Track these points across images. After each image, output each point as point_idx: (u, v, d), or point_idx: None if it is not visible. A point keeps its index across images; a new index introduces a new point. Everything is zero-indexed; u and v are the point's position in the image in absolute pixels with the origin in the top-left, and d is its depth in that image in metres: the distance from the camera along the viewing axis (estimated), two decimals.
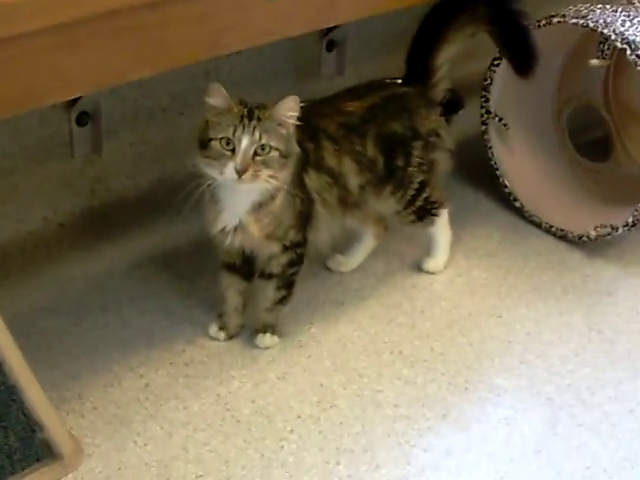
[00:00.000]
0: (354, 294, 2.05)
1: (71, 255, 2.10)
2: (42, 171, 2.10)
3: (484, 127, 2.30)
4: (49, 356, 1.82)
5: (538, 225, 2.27)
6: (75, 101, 2.05)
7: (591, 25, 2.05)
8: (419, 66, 2.02)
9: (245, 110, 1.66)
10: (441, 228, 2.09)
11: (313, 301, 2.02)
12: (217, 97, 1.66)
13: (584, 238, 2.18)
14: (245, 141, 1.63)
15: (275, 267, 1.84)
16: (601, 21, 2.05)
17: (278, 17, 1.73)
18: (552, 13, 2.13)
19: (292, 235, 1.81)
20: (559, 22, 2.10)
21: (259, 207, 1.73)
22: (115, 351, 1.86)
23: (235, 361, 1.86)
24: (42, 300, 1.98)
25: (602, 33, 2.04)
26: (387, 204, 1.99)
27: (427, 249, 2.13)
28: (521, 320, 2.00)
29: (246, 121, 1.64)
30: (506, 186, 2.30)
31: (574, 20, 2.07)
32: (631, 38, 2.01)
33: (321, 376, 1.84)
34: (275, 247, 1.81)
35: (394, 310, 2.02)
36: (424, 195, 2.01)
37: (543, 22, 2.13)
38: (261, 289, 1.88)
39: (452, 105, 2.45)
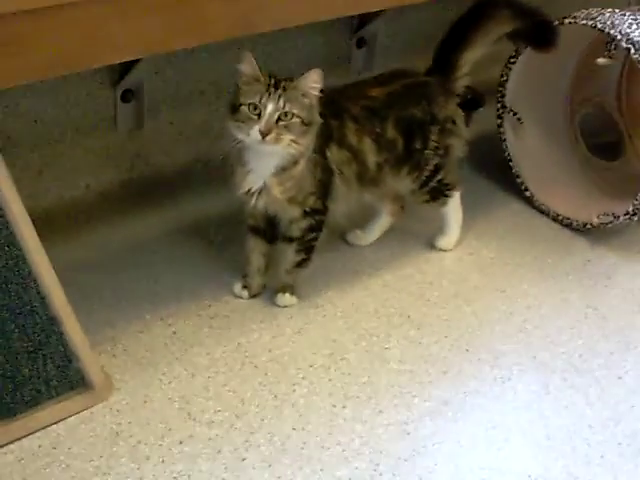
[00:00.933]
0: (369, 265, 2.21)
1: (110, 220, 2.27)
2: (87, 142, 2.27)
3: (499, 121, 2.45)
4: (86, 305, 1.97)
5: (546, 213, 2.42)
6: (121, 78, 2.23)
7: (599, 26, 2.20)
8: (444, 61, 2.17)
9: (272, 80, 1.83)
10: (453, 209, 2.24)
11: (331, 269, 2.17)
12: (248, 65, 1.83)
13: (588, 226, 2.32)
14: (270, 107, 1.81)
15: (295, 231, 2.00)
16: (609, 23, 2.20)
17: (307, 2, 1.88)
18: (565, 15, 2.28)
19: (312, 201, 1.96)
20: (570, 23, 2.25)
21: (282, 171, 1.89)
22: (147, 303, 2.03)
23: (256, 316, 2.02)
24: (82, 258, 2.14)
25: (609, 34, 2.19)
26: (404, 183, 2.14)
27: (440, 228, 2.28)
28: (523, 295, 2.14)
29: (272, 89, 1.82)
30: (518, 176, 2.46)
31: (584, 21, 2.22)
32: (636, 39, 2.15)
33: (334, 333, 1.99)
34: (296, 211, 1.97)
35: (406, 280, 2.17)
36: (438, 177, 2.16)
37: (556, 22, 2.28)
38: (282, 252, 2.03)
39: (473, 103, 2.63)
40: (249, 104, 1.82)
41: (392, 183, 2.13)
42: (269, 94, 1.82)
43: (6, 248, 1.66)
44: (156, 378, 1.84)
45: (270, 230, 2.04)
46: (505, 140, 2.46)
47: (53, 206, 2.24)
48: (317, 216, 2.00)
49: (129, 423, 1.73)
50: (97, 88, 2.23)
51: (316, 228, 2.02)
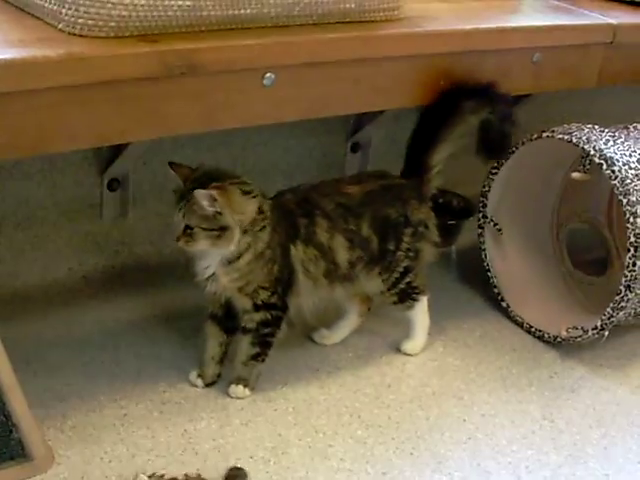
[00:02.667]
0: (330, 363, 2.24)
1: (87, 303, 2.34)
2: (72, 226, 2.36)
3: (480, 230, 2.49)
4: (44, 381, 2.05)
5: (520, 325, 2.43)
6: (108, 167, 2.32)
7: (574, 141, 2.24)
8: (415, 164, 2.22)
9: (185, 189, 1.93)
10: (419, 313, 2.27)
11: (291, 365, 2.20)
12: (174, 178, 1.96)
13: (558, 339, 2.33)
14: (175, 219, 1.93)
15: (249, 323, 2.04)
16: (584, 138, 2.23)
17: (272, 103, 1.95)
18: (544, 129, 2.32)
19: (264, 296, 2.01)
20: (548, 137, 2.30)
21: (227, 262, 1.97)
22: (104, 384, 2.08)
23: (208, 405, 2.05)
24: (51, 336, 2.21)
25: (583, 149, 2.23)
26: (374, 283, 2.17)
27: (406, 333, 2.30)
28: (480, 403, 2.15)
29: (180, 201, 1.93)
30: (495, 286, 2.48)
31: (560, 135, 2.27)
32: (609, 155, 2.18)
33: (281, 427, 2.01)
34: (247, 303, 2.02)
35: (364, 381, 2.19)
36: (407, 279, 2.20)
37: (535, 136, 2.33)
38: (239, 342, 2.08)
39: (464, 212, 2.68)
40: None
41: (364, 282, 2.17)
42: (178, 207, 1.93)
43: None
44: (98, 456, 1.88)
45: (229, 320, 2.09)
46: (485, 250, 2.49)
47: (33, 286, 2.33)
48: (273, 311, 2.04)
49: None
50: (84, 175, 2.33)
51: (272, 323, 2.06)
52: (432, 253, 2.24)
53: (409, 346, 2.30)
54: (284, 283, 2.04)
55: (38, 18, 1.82)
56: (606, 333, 2.25)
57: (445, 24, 2.18)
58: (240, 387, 2.08)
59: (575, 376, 2.29)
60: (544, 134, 2.31)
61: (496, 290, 2.48)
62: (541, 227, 2.58)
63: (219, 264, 1.97)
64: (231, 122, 1.95)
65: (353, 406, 2.11)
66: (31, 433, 1.81)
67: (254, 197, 1.96)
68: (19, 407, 1.80)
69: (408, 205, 2.17)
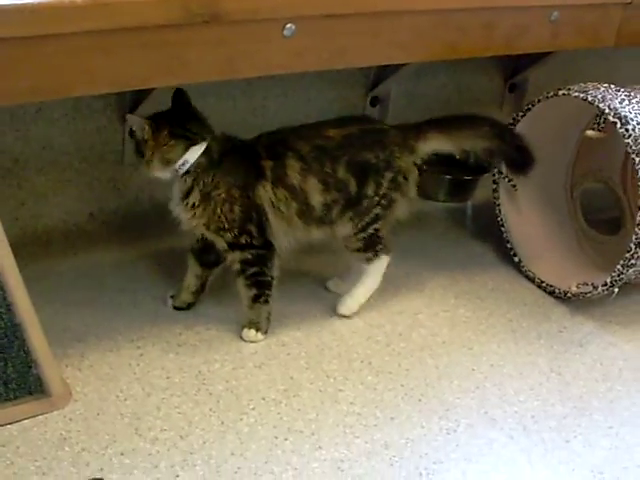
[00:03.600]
0: None
1: (107, 247, 2.41)
2: (93, 172, 2.41)
3: (495, 186, 2.52)
4: (64, 321, 2.12)
5: (531, 280, 2.47)
6: (130, 113, 2.35)
7: (589, 99, 2.26)
8: (416, 125, 2.24)
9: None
10: (374, 271, 2.24)
11: (305, 311, 2.26)
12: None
13: (568, 294, 2.37)
14: None
15: (233, 264, 2.12)
16: (599, 96, 2.25)
17: (292, 53, 1.98)
18: (560, 87, 2.34)
19: (228, 236, 2.09)
20: (563, 95, 2.32)
21: (180, 201, 2.08)
22: (122, 325, 2.14)
23: (222, 348, 2.11)
24: (72, 277, 2.28)
25: (598, 107, 2.25)
26: (345, 227, 2.18)
27: (347, 290, 2.29)
28: (489, 354, 2.19)
29: None
30: (509, 241, 2.52)
31: (576, 94, 2.29)
32: (623, 113, 2.20)
33: (293, 371, 2.06)
34: (220, 241, 2.10)
35: (376, 329, 2.24)
36: (375, 226, 2.19)
37: (551, 94, 2.35)
38: (238, 288, 2.14)
39: (480, 168, 2.71)
40: None
41: (337, 225, 2.18)
42: None
43: None
44: (114, 394, 1.94)
45: (205, 255, 2.17)
46: (499, 205, 2.52)
47: (54, 229, 2.37)
48: (251, 250, 2.10)
49: (78, 431, 1.83)
50: (107, 121, 2.37)
51: (255, 262, 2.11)
52: (405, 208, 2.23)
53: (344, 305, 2.27)
54: (256, 223, 2.09)
55: None
56: (616, 290, 2.29)
57: None
58: (252, 331, 2.14)
59: (584, 331, 2.32)
60: (560, 92, 2.33)
61: (509, 245, 2.51)
62: (556, 185, 2.61)
63: (178, 202, 2.07)
64: (251, 71, 1.99)
65: (364, 353, 2.15)
66: (50, 370, 1.87)
67: (189, 140, 2.04)
68: (39, 344, 1.85)
69: (388, 150, 2.16)
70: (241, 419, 1.91)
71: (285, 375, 2.05)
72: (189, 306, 2.21)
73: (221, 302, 2.25)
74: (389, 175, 2.16)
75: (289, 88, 2.59)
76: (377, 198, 2.16)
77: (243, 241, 2.09)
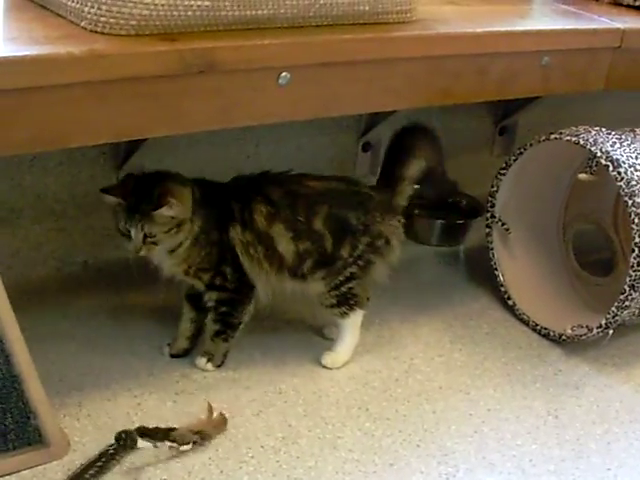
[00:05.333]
0: None
1: (102, 295, 2.40)
2: (88, 220, 2.41)
3: (488, 230, 2.54)
4: (61, 370, 2.11)
5: (526, 323, 2.48)
6: (123, 163, 2.37)
7: (581, 142, 2.28)
8: (388, 175, 2.23)
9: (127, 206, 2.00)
10: (351, 325, 2.23)
11: (301, 358, 2.26)
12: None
13: (563, 337, 2.38)
14: (132, 231, 2.00)
15: (209, 301, 2.14)
16: (591, 140, 2.28)
17: (287, 102, 1.99)
18: (552, 131, 2.37)
19: (205, 277, 2.11)
20: (555, 138, 2.34)
21: (171, 251, 2.08)
22: (118, 374, 2.13)
23: (219, 396, 2.10)
24: (66, 327, 2.27)
25: (590, 150, 2.27)
26: (317, 285, 2.17)
27: (331, 345, 2.29)
28: (486, 398, 2.19)
29: (130, 215, 2.00)
30: (502, 285, 2.53)
31: (568, 137, 2.31)
32: (615, 157, 2.22)
33: (292, 418, 2.06)
34: (197, 283, 2.13)
35: (372, 375, 2.24)
36: (349, 285, 2.17)
37: (543, 138, 2.37)
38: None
39: (472, 212, 2.73)
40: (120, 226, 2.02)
41: (310, 282, 2.17)
42: (131, 221, 2.00)
43: None
44: None
45: (201, 300, 2.17)
46: (492, 249, 2.54)
47: (48, 278, 2.38)
48: (225, 292, 2.12)
49: None
50: (101, 170, 2.38)
51: (228, 303, 2.13)
52: (384, 272, 2.21)
53: (330, 359, 2.25)
54: (230, 264, 2.10)
55: (61, 16, 1.87)
56: (610, 332, 2.30)
57: (457, 27, 2.22)
58: (204, 360, 2.17)
59: (579, 373, 2.33)
60: (552, 136, 2.35)
61: (503, 288, 2.53)
62: (548, 227, 2.63)
63: (163, 254, 2.07)
64: (247, 120, 1.99)
65: (361, 399, 2.15)
66: (48, 420, 1.86)
67: (188, 186, 2.05)
68: (37, 394, 1.85)
69: (370, 215, 2.15)
70: (240, 467, 1.91)
71: (283, 423, 2.05)
72: (186, 352, 2.21)
73: None
74: (365, 239, 2.14)
75: (281, 135, 2.62)
76: (352, 259, 2.15)
77: (217, 282, 2.11)
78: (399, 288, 2.50)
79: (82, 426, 1.97)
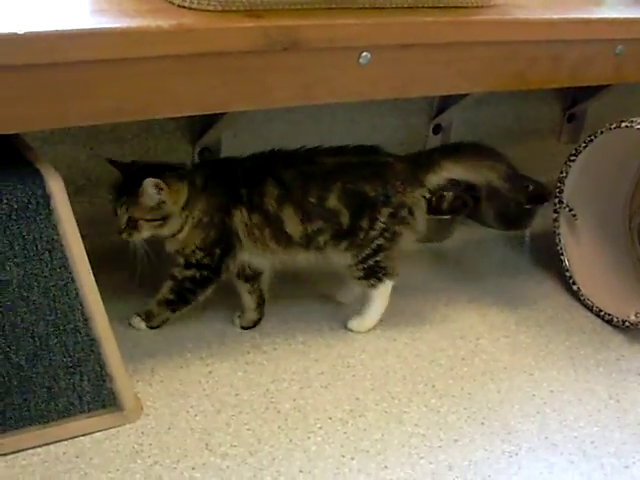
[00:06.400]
0: (408, 335, 2.33)
1: None
2: None
3: (555, 215, 2.56)
4: (135, 338, 2.19)
5: (590, 308, 2.50)
6: (200, 137, 2.42)
7: None
8: (427, 155, 2.26)
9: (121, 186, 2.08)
10: (380, 295, 2.26)
11: (370, 334, 2.31)
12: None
13: (627, 323, 2.39)
14: (118, 211, 2.07)
15: (177, 273, 2.18)
16: None
17: (367, 81, 2.02)
18: (622, 119, 2.38)
19: (198, 256, 2.15)
20: (626, 126, 2.35)
21: (171, 236, 2.13)
22: (191, 343, 2.20)
23: (289, 368, 2.15)
24: (141, 295, 2.32)
25: None
26: (342, 257, 2.20)
27: (359, 309, 2.33)
28: (549, 380, 2.22)
29: (120, 196, 2.07)
30: (567, 270, 2.55)
31: (638, 125, 2.32)
32: None
33: (359, 392, 2.11)
34: (180, 259, 2.16)
35: (439, 353, 2.28)
36: (377, 258, 2.20)
37: (613, 125, 2.38)
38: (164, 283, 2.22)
39: (538, 197, 2.75)
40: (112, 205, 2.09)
41: (331, 254, 2.19)
42: (119, 201, 2.07)
43: (58, 270, 1.82)
44: (184, 409, 1.99)
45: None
46: (559, 234, 2.56)
47: (124, 246, 2.42)
48: (204, 271, 2.16)
49: (150, 445, 1.88)
50: (177, 143, 2.43)
51: (198, 283, 2.17)
52: (411, 240, 2.24)
53: (356, 323, 2.30)
54: (222, 246, 2.14)
55: None
56: None
57: (533, 13, 2.24)
58: (138, 319, 2.22)
59: None
60: (623, 124, 2.36)
61: (568, 274, 2.55)
62: (615, 215, 2.64)
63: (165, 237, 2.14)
64: (328, 97, 2.02)
65: (428, 376, 2.19)
66: (123, 384, 1.92)
67: (184, 183, 2.08)
68: (113, 358, 1.91)
69: (389, 185, 2.16)
70: (309, 437, 1.95)
71: (351, 396, 2.09)
72: (255, 324, 2.25)
73: (287, 321, 2.31)
74: (386, 210, 2.16)
75: (355, 115, 2.65)
76: (375, 231, 2.17)
77: (206, 262, 2.15)
78: (466, 270, 2.54)
79: (155, 392, 2.03)
